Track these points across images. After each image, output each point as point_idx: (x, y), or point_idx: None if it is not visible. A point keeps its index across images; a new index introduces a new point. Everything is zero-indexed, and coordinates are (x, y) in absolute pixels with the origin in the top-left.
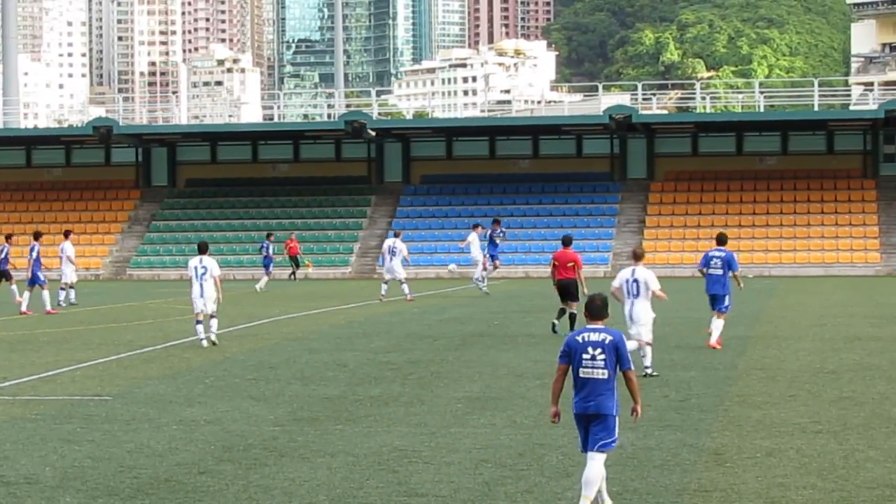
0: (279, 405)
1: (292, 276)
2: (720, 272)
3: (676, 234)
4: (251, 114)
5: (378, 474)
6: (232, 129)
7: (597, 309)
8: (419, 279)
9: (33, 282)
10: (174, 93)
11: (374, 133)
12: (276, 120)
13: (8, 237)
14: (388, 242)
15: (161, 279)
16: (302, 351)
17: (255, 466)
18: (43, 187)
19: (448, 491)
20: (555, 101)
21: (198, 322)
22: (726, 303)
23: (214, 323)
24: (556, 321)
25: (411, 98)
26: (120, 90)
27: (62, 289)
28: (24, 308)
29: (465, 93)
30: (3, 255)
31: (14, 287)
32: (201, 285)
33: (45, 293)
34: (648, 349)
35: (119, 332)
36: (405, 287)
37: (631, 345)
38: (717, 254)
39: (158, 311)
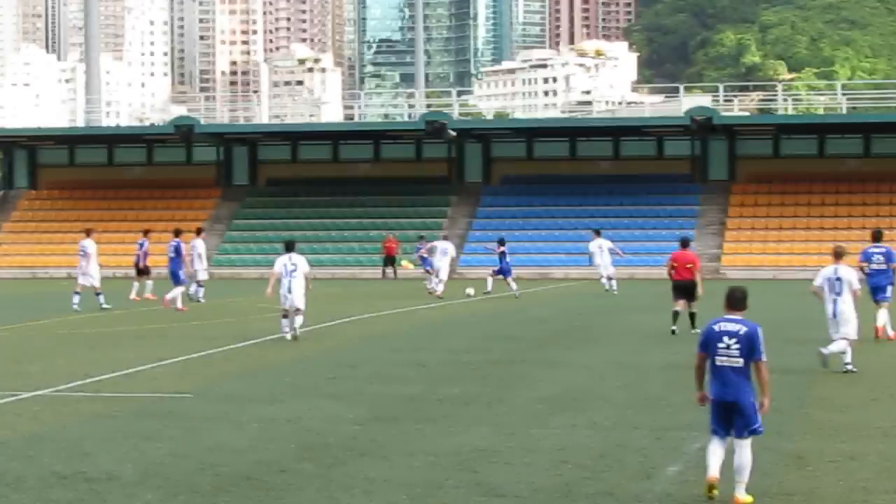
0: (359, 404)
1: (391, 275)
2: (884, 266)
3: (757, 237)
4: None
5: (458, 474)
6: (312, 129)
7: (737, 300)
8: (498, 279)
9: (177, 279)
10: (255, 92)
11: (454, 133)
12: (356, 119)
13: (146, 232)
14: (441, 245)
15: (242, 277)
16: (381, 350)
17: (334, 465)
18: (124, 185)
19: (527, 491)
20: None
21: (284, 316)
22: (888, 293)
23: (299, 319)
24: (674, 327)
25: (492, 98)
26: (201, 89)
27: (199, 284)
28: (179, 305)
29: (546, 93)
30: (141, 251)
31: (150, 283)
32: (290, 283)
33: (178, 290)
34: (848, 346)
35: (200, 330)
36: (434, 282)
37: (838, 346)
38: (877, 250)
39: (238, 310)
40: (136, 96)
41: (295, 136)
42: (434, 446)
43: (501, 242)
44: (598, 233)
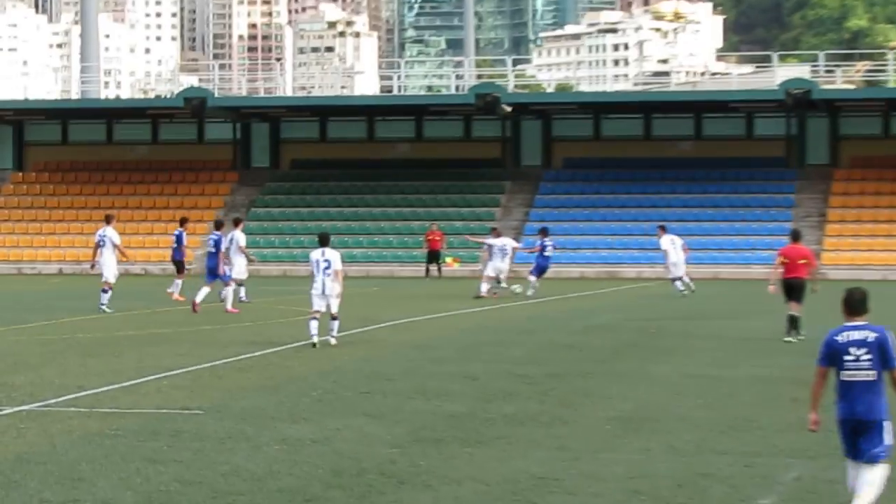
0: (397, 423)
1: (436, 273)
2: None
3: (864, 231)
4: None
5: None
6: (344, 103)
7: (857, 304)
8: (559, 279)
9: (213, 276)
10: (278, 60)
11: (509, 109)
12: (395, 93)
13: (182, 221)
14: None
15: (262, 275)
16: (424, 360)
17: (369, 494)
18: (125, 167)
19: None
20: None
21: (313, 318)
22: None
23: (336, 325)
24: (789, 338)
25: (552, 68)
26: (215, 56)
27: (240, 284)
28: (229, 306)
29: (616, 62)
30: (177, 243)
31: (179, 281)
32: (323, 281)
33: (229, 290)
34: None
35: (212, 335)
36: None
37: None
38: None
39: (257, 313)
40: (140, 64)
41: (324, 112)
42: (484, 473)
43: (544, 232)
44: (664, 229)
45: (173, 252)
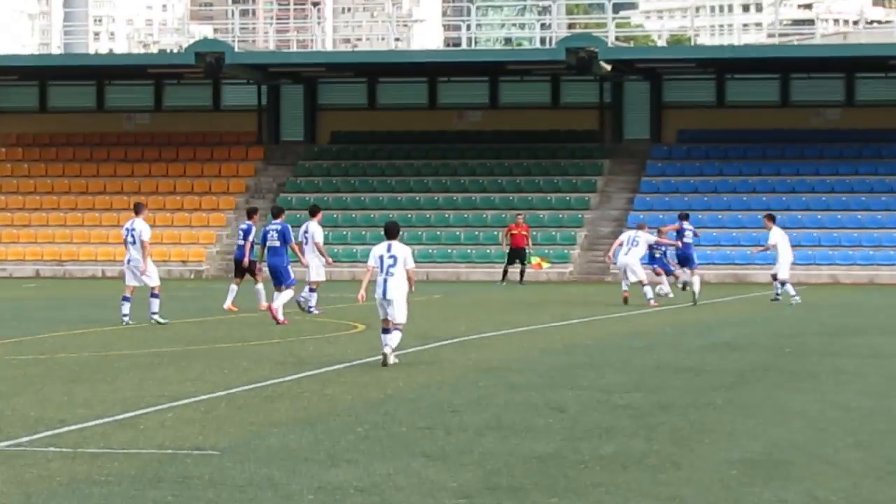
0: (465, 467)
1: (516, 277)
2: None
3: None
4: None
5: None
6: (399, 60)
7: None
8: (671, 285)
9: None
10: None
11: (608, 67)
12: (463, 47)
13: (251, 213)
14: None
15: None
16: (499, 387)
17: None
18: (121, 141)
19: None
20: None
21: (385, 331)
22: None
23: (396, 337)
24: None
25: (664, 16)
26: (234, 1)
27: (311, 289)
28: (280, 316)
29: (745, 8)
30: (245, 239)
31: (260, 286)
32: (386, 283)
33: (286, 294)
34: None
35: (230, 355)
36: (647, 290)
37: None
38: None
39: (287, 328)
40: (140, 10)
41: (372, 71)
42: None
43: (684, 217)
44: (772, 219)
45: (238, 251)
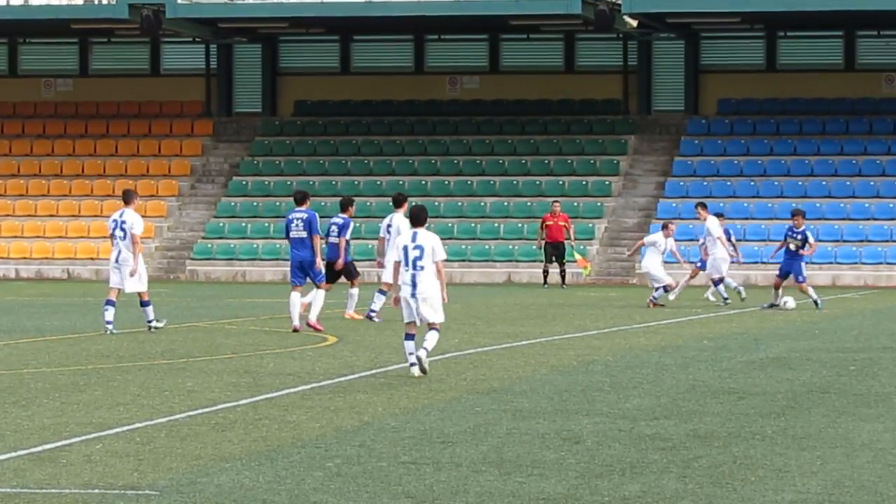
0: None
1: (557, 278)
2: None
3: None
4: None
5: None
6: (378, 13)
7: None
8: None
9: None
10: None
11: (634, 23)
12: None
13: (346, 205)
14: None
15: (247, 281)
16: (500, 413)
17: None
18: (39, 112)
19: None
20: None
21: (408, 336)
22: None
23: (433, 338)
24: None
25: None
26: None
27: (381, 291)
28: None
29: None
30: (339, 234)
31: (355, 290)
32: (414, 278)
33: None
34: None
35: (172, 374)
36: (657, 292)
37: None
38: None
39: (243, 339)
40: None
41: (346, 27)
42: None
43: (799, 216)
44: (705, 207)
45: (330, 250)
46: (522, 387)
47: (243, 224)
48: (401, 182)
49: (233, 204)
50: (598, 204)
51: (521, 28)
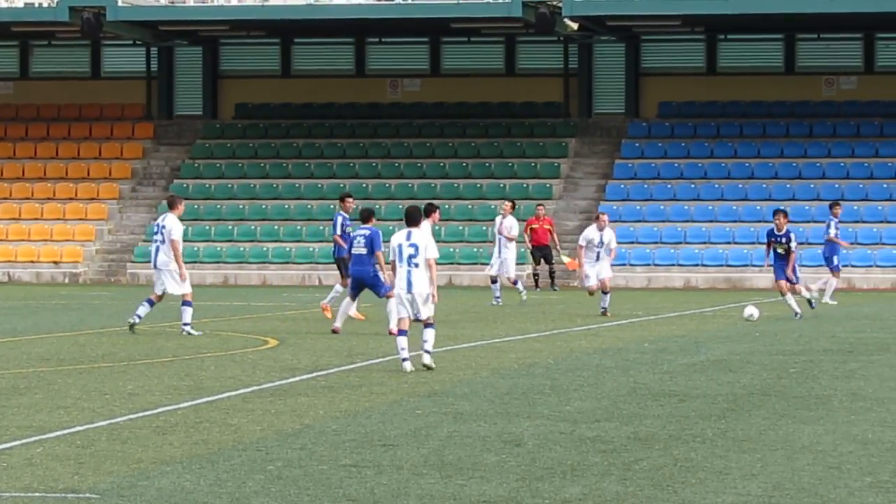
0: None
1: (547, 281)
2: None
3: None
4: None
5: None
6: (319, 16)
7: None
8: (653, 290)
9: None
10: None
11: (574, 26)
12: (398, 1)
13: (344, 198)
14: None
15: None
16: (441, 416)
17: None
18: None
19: None
20: None
21: (401, 332)
22: None
23: (430, 335)
24: None
25: None
26: None
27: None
28: (352, 312)
29: None
30: (342, 232)
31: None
32: (409, 275)
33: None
34: None
35: (112, 377)
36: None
37: None
38: None
39: (183, 342)
40: None
41: (287, 30)
42: None
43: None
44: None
45: (338, 247)
46: (464, 389)
47: (184, 227)
48: (341, 185)
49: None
50: (530, 206)
51: (461, 31)
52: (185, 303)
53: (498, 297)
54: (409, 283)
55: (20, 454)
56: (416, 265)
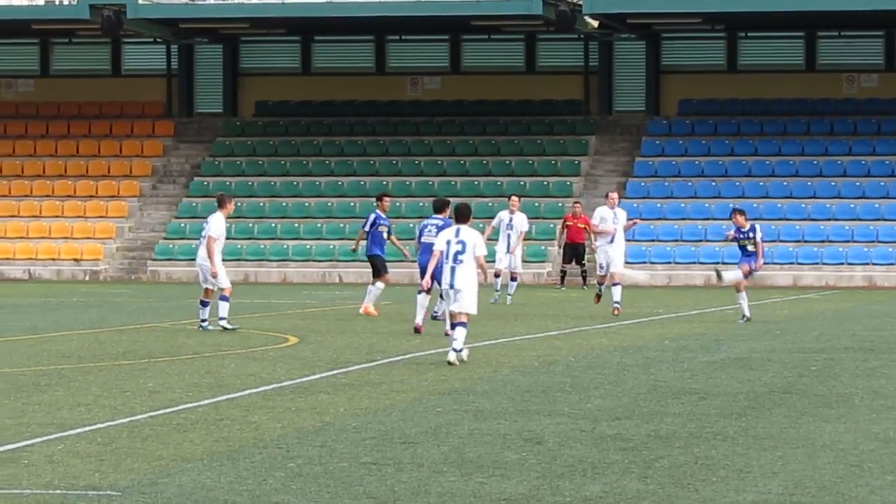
0: None
1: (578, 279)
2: None
3: None
4: None
5: None
6: (339, 14)
7: None
8: (672, 287)
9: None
10: None
11: (595, 24)
12: None
13: (381, 197)
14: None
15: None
16: (461, 414)
17: None
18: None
19: None
20: None
21: (453, 325)
22: None
23: (461, 333)
24: None
25: None
26: None
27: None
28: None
29: None
30: (374, 228)
31: (380, 287)
32: (453, 272)
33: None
34: None
35: (133, 374)
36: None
37: None
38: None
39: (204, 339)
40: None
41: (307, 27)
42: None
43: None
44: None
45: (370, 244)
46: (484, 387)
47: (203, 226)
48: (362, 182)
49: (194, 204)
50: (560, 204)
51: (482, 29)
52: (223, 297)
53: (498, 293)
54: (453, 279)
55: (41, 451)
56: (462, 262)
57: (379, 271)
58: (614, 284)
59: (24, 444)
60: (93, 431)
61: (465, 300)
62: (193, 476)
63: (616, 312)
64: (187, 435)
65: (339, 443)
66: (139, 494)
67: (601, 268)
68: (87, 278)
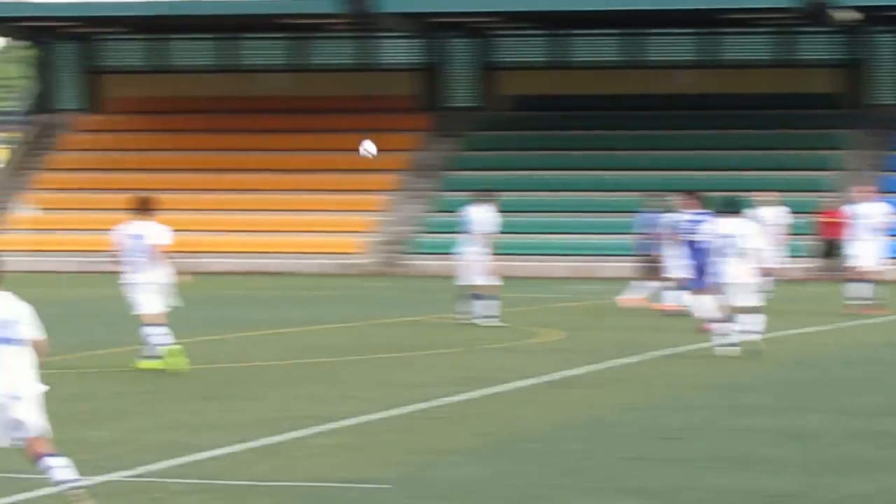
0: None
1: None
2: None
3: None
4: None
5: None
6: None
7: None
8: None
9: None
10: None
11: (848, 16)
12: None
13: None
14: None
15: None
16: (723, 408)
17: None
18: (249, 107)
19: None
20: None
21: (725, 321)
22: None
23: (756, 321)
24: None
25: None
26: None
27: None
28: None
29: None
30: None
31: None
32: (724, 263)
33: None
34: None
35: (394, 367)
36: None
37: None
38: None
39: (462, 333)
40: None
41: (560, 20)
42: None
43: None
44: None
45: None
46: (744, 382)
47: (452, 221)
48: (620, 177)
49: (448, 198)
50: (813, 199)
51: (734, 20)
52: (476, 296)
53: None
54: (723, 273)
55: (304, 443)
56: (735, 259)
57: (657, 271)
58: (862, 281)
59: (285, 437)
60: (355, 425)
61: (741, 292)
62: (459, 470)
63: (867, 310)
64: (449, 428)
65: (603, 438)
66: (409, 487)
67: (856, 258)
68: (344, 272)
